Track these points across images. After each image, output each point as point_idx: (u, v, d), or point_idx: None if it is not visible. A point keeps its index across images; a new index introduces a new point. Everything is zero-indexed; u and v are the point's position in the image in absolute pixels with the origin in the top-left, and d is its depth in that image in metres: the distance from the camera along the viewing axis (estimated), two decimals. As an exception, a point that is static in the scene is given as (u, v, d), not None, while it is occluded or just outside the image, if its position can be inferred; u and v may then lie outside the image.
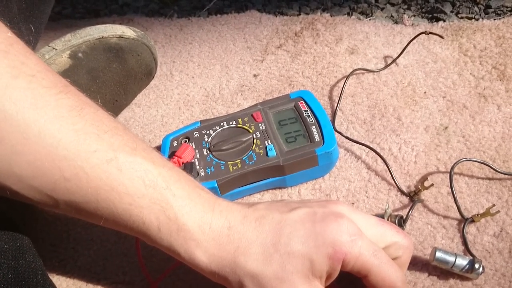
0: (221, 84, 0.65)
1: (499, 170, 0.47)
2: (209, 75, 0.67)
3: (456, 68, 0.60)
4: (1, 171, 0.30)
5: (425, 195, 0.47)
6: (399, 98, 0.58)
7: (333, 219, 0.33)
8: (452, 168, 0.45)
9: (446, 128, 0.53)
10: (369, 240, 0.33)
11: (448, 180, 0.45)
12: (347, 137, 0.53)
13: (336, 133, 0.52)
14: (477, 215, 0.43)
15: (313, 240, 0.32)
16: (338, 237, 0.32)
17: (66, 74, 0.54)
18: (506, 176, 0.47)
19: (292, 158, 0.48)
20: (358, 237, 0.32)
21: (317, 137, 0.49)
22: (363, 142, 0.52)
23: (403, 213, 0.45)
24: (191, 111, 0.62)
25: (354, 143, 0.53)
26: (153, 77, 0.65)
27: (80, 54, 0.55)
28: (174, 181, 0.33)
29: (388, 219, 0.44)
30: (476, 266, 0.39)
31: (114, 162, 0.31)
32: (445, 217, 0.45)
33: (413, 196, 0.47)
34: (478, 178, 0.48)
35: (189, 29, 0.76)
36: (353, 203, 0.48)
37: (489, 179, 0.48)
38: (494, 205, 0.43)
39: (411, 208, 0.44)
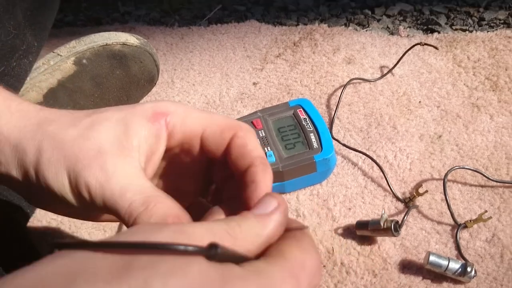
0: (221, 91, 0.66)
1: (491, 178, 0.48)
2: (209, 82, 0.68)
3: (450, 78, 0.62)
4: None
5: (419, 201, 0.48)
6: (395, 107, 0.59)
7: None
8: (446, 175, 0.47)
9: (440, 136, 0.55)
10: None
11: (442, 187, 0.47)
12: (344, 145, 0.54)
13: (334, 140, 0.54)
14: (470, 221, 0.45)
15: (130, 106, 0.28)
16: (158, 103, 0.28)
17: (71, 79, 0.55)
18: (498, 183, 0.48)
19: (291, 164, 0.49)
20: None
21: (315, 144, 0.50)
22: (359, 149, 0.53)
23: (399, 218, 0.47)
24: (192, 117, 0.63)
25: (351, 151, 0.54)
26: (155, 83, 0.66)
27: (84, 61, 0.56)
28: None
29: (384, 224, 0.45)
30: (469, 269, 0.40)
31: None
32: (439, 222, 0.46)
33: (408, 202, 0.48)
34: (471, 185, 0.49)
35: (190, 37, 0.78)
36: (349, 209, 0.49)
37: (482, 186, 0.49)
38: (486, 211, 0.44)
39: (406, 213, 0.45)
